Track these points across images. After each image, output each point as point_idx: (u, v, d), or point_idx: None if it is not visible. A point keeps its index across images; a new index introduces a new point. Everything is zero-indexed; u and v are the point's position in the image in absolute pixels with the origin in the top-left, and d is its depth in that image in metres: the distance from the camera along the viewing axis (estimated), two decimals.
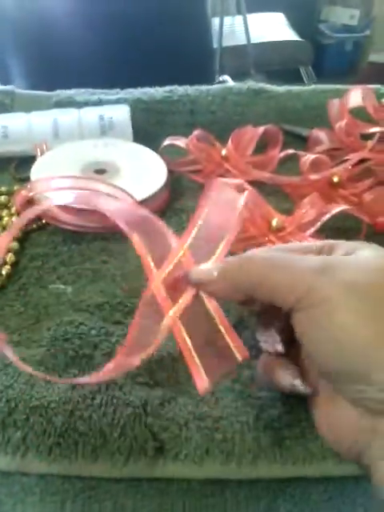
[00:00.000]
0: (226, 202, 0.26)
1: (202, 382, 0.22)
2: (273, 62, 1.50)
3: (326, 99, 0.50)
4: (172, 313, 0.23)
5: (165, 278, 0.24)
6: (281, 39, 1.53)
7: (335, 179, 0.41)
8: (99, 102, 0.50)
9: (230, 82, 1.06)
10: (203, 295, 0.24)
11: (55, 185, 0.37)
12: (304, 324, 0.20)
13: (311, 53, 1.56)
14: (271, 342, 0.23)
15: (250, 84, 0.51)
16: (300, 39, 1.55)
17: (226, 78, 1.06)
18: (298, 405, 0.25)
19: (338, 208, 0.35)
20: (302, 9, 1.91)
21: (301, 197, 0.40)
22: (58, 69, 0.90)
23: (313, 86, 0.53)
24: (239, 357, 0.22)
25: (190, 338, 0.23)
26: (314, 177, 0.40)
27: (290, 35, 1.56)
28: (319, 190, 0.40)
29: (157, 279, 0.24)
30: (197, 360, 0.22)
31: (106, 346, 0.29)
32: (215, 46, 1.26)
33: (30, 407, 0.25)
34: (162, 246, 0.26)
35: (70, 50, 0.91)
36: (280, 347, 0.23)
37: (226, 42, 1.44)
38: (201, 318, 0.23)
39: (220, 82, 1.05)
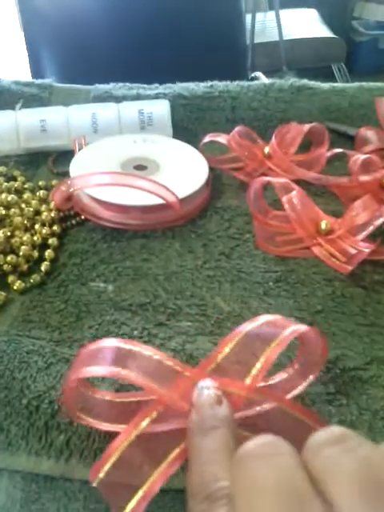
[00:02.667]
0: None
1: None
2: (305, 59, 1.47)
3: (372, 97, 0.48)
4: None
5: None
6: (313, 36, 1.50)
7: None
8: (138, 97, 0.49)
9: (263, 79, 1.04)
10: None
11: (95, 181, 0.37)
12: None
13: (344, 50, 1.52)
14: None
15: (293, 80, 0.49)
16: (333, 36, 1.51)
17: (259, 74, 1.04)
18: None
19: None
20: (334, 5, 1.86)
21: (349, 199, 0.38)
22: (91, 64, 0.89)
23: (358, 84, 0.51)
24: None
25: None
26: (364, 178, 0.38)
27: (323, 32, 1.53)
28: (369, 191, 0.38)
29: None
30: None
31: None
32: (247, 42, 1.23)
33: None
34: None
35: (102, 46, 0.91)
36: None
37: (258, 39, 1.41)
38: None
39: (253, 79, 1.03)
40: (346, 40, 1.67)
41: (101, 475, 0.18)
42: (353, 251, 0.33)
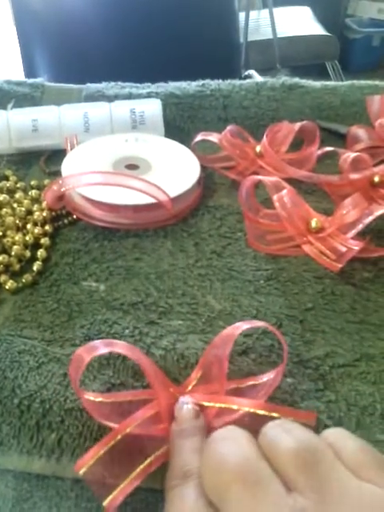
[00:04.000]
0: None
1: None
2: (299, 57, 1.47)
3: (364, 95, 0.48)
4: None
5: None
6: (307, 34, 1.50)
7: (376, 179, 0.40)
8: (130, 96, 0.49)
9: (257, 77, 1.04)
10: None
11: (86, 180, 0.37)
12: None
13: (338, 48, 1.52)
14: None
15: (284, 78, 0.50)
16: (326, 34, 1.51)
17: (253, 72, 1.05)
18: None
19: (382, 210, 0.33)
20: (328, 3, 1.87)
21: (340, 197, 0.38)
22: (84, 62, 0.89)
23: (349, 82, 0.51)
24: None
25: None
26: (354, 176, 0.39)
27: (317, 29, 1.53)
28: (359, 189, 0.38)
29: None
30: None
31: (140, 347, 0.28)
32: (241, 40, 1.23)
33: (65, 409, 0.24)
34: None
35: (95, 44, 0.90)
36: None
37: (252, 37, 1.41)
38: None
39: (246, 77, 1.03)
40: (340, 38, 1.68)
41: (84, 469, 0.20)
42: (343, 249, 0.34)
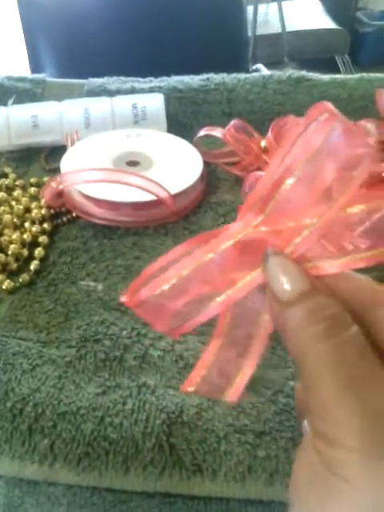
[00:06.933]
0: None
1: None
2: (308, 51, 1.45)
3: (373, 88, 0.46)
4: (228, 293, 0.18)
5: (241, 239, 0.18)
6: (316, 27, 1.47)
7: None
8: (132, 91, 0.48)
9: (265, 71, 1.02)
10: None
11: (85, 177, 0.36)
12: None
13: (348, 41, 1.49)
14: None
15: (291, 72, 0.48)
16: (337, 27, 1.48)
17: (260, 66, 1.03)
18: None
19: None
20: None
21: None
22: (89, 56, 0.88)
23: (358, 75, 0.49)
24: (227, 398, 0.19)
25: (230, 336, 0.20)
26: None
27: (327, 23, 1.50)
28: (368, 184, 0.37)
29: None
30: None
31: (138, 349, 0.27)
32: (249, 34, 1.22)
33: (57, 413, 0.24)
34: None
35: (100, 37, 0.90)
36: None
37: (260, 30, 1.39)
38: (247, 320, 0.20)
39: (254, 71, 1.01)
40: (351, 31, 1.65)
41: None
42: (349, 247, 0.32)
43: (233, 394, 0.18)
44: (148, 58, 0.89)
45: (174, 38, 0.90)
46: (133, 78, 0.50)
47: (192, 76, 0.50)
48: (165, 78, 0.50)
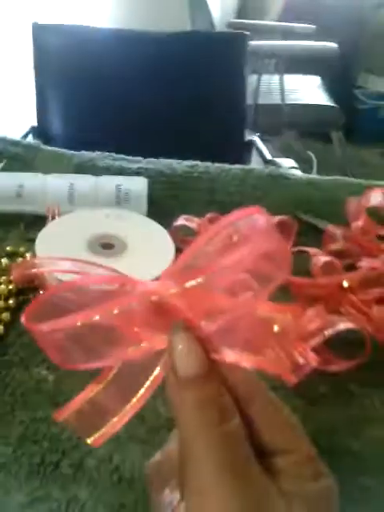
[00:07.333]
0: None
1: None
2: (304, 123, 1.52)
3: (347, 194, 0.49)
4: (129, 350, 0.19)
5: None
6: (313, 102, 1.55)
7: (345, 284, 0.40)
8: (120, 170, 0.50)
9: (258, 143, 1.07)
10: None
11: (55, 266, 0.37)
12: None
13: (341, 118, 1.57)
14: None
15: (271, 169, 0.51)
16: (331, 104, 1.56)
17: (255, 138, 1.07)
18: None
19: (342, 325, 0.33)
20: (339, 74, 1.94)
21: (306, 297, 0.38)
22: (91, 116, 0.92)
23: (333, 178, 0.52)
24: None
25: None
26: (323, 281, 0.39)
27: (323, 99, 1.58)
28: (328, 292, 0.38)
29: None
30: None
31: (75, 457, 0.27)
32: (251, 102, 1.28)
33: None
34: None
35: (104, 100, 0.94)
36: None
37: (262, 100, 1.46)
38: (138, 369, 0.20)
39: (249, 143, 1.06)
40: (349, 107, 1.74)
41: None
42: (301, 360, 0.33)
43: (98, 438, 0.19)
44: (149, 120, 0.93)
45: (172, 107, 0.94)
46: (122, 156, 0.53)
47: (179, 161, 0.53)
48: (152, 159, 0.52)
